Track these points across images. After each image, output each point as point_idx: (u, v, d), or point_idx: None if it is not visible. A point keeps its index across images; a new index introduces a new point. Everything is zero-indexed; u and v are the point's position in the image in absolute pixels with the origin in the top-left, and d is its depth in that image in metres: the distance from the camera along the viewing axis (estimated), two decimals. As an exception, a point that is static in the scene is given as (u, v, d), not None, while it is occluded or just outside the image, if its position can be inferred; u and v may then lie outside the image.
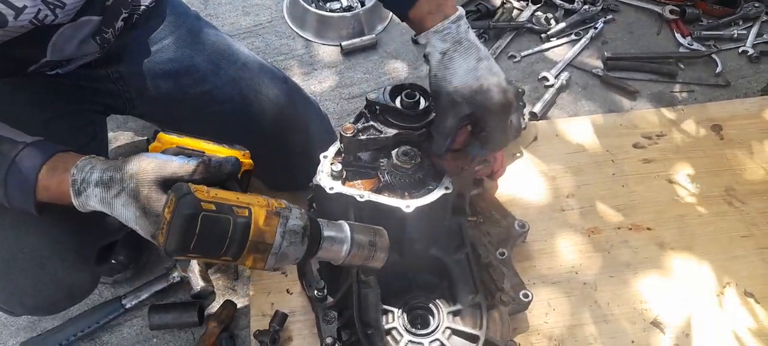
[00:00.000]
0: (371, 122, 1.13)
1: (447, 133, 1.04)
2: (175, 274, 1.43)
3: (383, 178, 1.12)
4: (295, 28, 2.14)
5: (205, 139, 1.04)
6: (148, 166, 0.86)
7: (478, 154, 1.11)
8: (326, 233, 0.91)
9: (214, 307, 1.44)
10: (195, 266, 1.42)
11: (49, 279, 1.09)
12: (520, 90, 1.06)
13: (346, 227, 0.93)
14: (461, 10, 1.02)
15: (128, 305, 1.41)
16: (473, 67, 0.98)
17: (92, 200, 0.87)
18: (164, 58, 1.32)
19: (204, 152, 0.96)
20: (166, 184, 0.86)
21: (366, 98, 1.14)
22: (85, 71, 1.25)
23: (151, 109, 1.39)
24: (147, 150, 0.97)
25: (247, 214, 0.81)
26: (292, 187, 1.40)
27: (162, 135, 1.02)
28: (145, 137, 1.72)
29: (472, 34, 1.01)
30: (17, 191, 0.92)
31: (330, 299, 1.22)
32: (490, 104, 0.98)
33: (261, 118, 1.37)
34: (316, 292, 1.23)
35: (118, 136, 1.78)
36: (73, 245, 1.10)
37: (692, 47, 2.05)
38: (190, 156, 0.90)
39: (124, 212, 0.85)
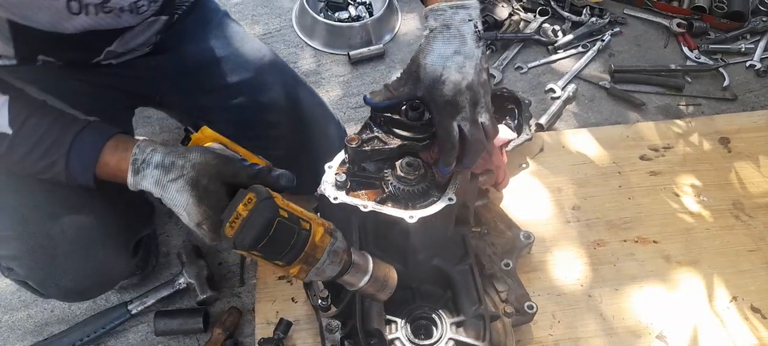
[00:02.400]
0: (376, 133, 1.14)
1: (398, 96, 1.06)
2: (181, 280, 1.44)
3: (387, 188, 1.12)
4: (303, 38, 2.16)
5: (241, 144, 1.08)
6: (213, 161, 0.91)
7: (445, 171, 1.09)
8: (355, 259, 0.97)
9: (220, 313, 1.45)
10: (203, 272, 1.44)
11: (92, 263, 1.13)
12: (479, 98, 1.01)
13: (370, 260, 0.99)
14: (471, 2, 1.01)
15: (134, 311, 1.42)
16: (446, 55, 0.98)
17: (147, 181, 0.92)
18: (197, 49, 1.36)
19: (243, 157, 1.01)
20: (226, 181, 0.91)
21: (372, 109, 1.15)
22: (128, 61, 1.29)
23: (179, 100, 1.42)
24: (188, 139, 1.04)
25: (308, 228, 0.89)
26: (300, 191, 1.41)
27: (206, 128, 1.05)
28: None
29: (467, 27, 1.00)
30: (78, 164, 0.95)
31: (334, 309, 1.23)
32: (437, 96, 0.98)
33: (278, 117, 1.40)
34: (320, 301, 1.24)
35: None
36: (117, 231, 1.15)
37: (699, 61, 2.05)
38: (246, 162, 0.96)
39: (177, 197, 0.90)
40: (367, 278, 0.98)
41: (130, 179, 0.94)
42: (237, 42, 1.42)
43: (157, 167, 0.91)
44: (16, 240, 1.09)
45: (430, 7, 1.03)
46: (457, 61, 0.97)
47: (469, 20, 1.00)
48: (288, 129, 1.40)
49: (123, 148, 0.95)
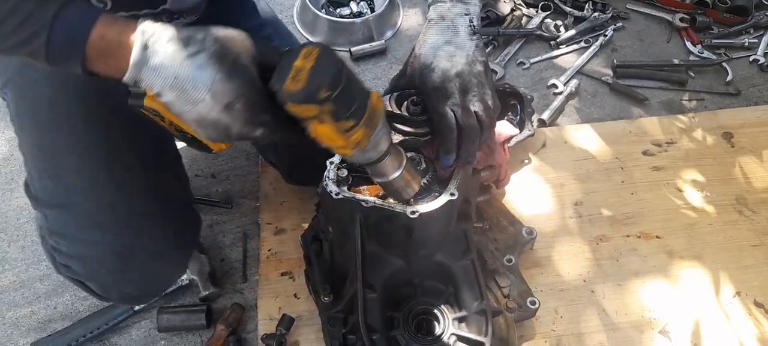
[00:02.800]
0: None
1: (395, 85, 1.07)
2: (184, 277, 1.44)
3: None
4: (305, 34, 2.15)
5: None
6: (240, 36, 0.80)
7: (446, 163, 1.08)
8: (394, 140, 0.95)
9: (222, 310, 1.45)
10: (205, 269, 1.44)
11: (157, 273, 1.14)
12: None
13: (402, 150, 0.98)
14: (472, 1, 1.02)
15: (137, 307, 1.42)
16: (438, 45, 0.99)
17: (157, 58, 0.76)
18: (244, 27, 1.36)
19: None
20: (257, 60, 0.80)
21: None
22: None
23: None
24: None
25: (367, 88, 0.84)
26: (311, 183, 1.42)
27: None
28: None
29: (461, 20, 1.01)
30: (64, 38, 0.78)
31: (336, 305, 1.23)
32: (427, 82, 0.99)
33: None
34: (322, 297, 1.24)
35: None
36: (183, 243, 1.15)
37: (702, 55, 2.04)
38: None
39: (198, 75, 0.75)
40: (401, 170, 0.97)
41: (134, 57, 0.76)
42: (267, 15, 1.41)
43: (172, 41, 0.76)
44: (86, 244, 1.08)
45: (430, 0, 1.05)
46: (447, 50, 0.98)
47: (465, 15, 1.01)
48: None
49: (123, 23, 0.78)
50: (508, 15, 2.18)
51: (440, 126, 1.01)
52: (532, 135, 1.64)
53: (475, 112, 1.00)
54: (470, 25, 1.02)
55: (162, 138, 1.18)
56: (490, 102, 1.02)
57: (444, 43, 0.99)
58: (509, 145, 1.54)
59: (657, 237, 1.49)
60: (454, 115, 1.00)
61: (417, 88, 1.06)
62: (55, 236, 1.10)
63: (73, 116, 1.09)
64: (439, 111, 1.00)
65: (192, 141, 0.91)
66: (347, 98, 0.80)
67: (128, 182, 1.10)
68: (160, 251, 1.10)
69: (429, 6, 1.07)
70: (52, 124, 1.09)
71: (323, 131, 0.82)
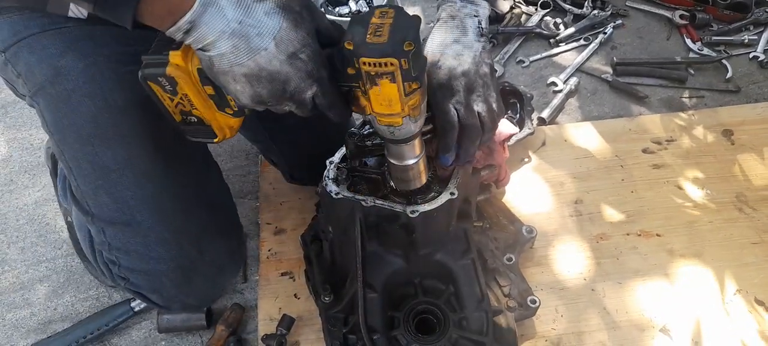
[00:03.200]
0: (377, 128, 1.13)
1: None
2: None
3: (389, 183, 1.12)
4: (304, 34, 2.15)
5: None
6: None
7: (446, 162, 1.08)
8: None
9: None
10: None
11: (219, 282, 1.16)
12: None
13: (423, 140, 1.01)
14: (481, 2, 1.02)
15: (137, 308, 1.42)
16: (446, 43, 0.98)
17: (224, 1, 0.74)
18: None
19: None
20: (317, 25, 0.81)
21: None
22: None
23: None
24: None
25: None
26: (313, 182, 1.42)
27: None
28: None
29: (470, 21, 1.01)
30: None
31: (336, 305, 1.23)
32: (432, 78, 0.98)
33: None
34: (322, 297, 1.24)
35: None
36: (238, 253, 1.17)
37: (702, 52, 2.04)
38: None
39: (265, 21, 0.75)
40: (420, 157, 1.00)
41: (197, 4, 0.73)
42: None
43: None
44: (151, 260, 1.08)
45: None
46: (455, 49, 0.98)
47: (475, 16, 1.01)
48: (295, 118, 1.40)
49: None
50: (507, 13, 2.17)
51: (442, 123, 1.01)
52: (531, 133, 1.64)
53: (478, 112, 1.00)
54: (479, 27, 1.01)
55: (203, 150, 1.19)
56: (494, 104, 1.02)
57: (452, 41, 0.98)
58: (509, 143, 1.54)
59: (657, 235, 1.49)
60: (457, 113, 0.99)
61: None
62: (116, 251, 1.10)
63: (121, 131, 1.07)
64: (442, 108, 0.99)
65: (196, 125, 0.90)
66: (420, 58, 0.82)
67: (186, 197, 1.11)
68: (221, 263, 1.12)
69: (438, 6, 1.06)
70: (99, 139, 1.06)
71: (390, 91, 0.82)
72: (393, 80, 0.80)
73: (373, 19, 0.79)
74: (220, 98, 0.89)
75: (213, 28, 0.75)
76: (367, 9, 2.16)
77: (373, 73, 0.80)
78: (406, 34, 0.77)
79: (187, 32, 0.76)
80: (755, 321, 1.34)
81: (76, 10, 1.03)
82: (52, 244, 1.60)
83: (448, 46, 0.98)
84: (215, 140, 0.94)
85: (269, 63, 0.77)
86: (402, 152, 0.98)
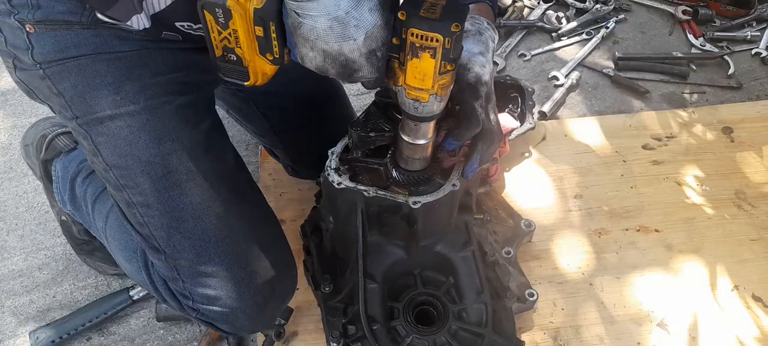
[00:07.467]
0: (379, 119, 1.13)
1: None
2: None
3: (391, 173, 1.12)
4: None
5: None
6: None
7: (450, 147, 1.09)
8: None
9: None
10: None
11: (282, 307, 1.20)
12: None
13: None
14: (494, 30, 1.06)
15: (136, 296, 1.42)
16: (474, 52, 1.01)
17: None
18: None
19: None
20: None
21: (375, 95, 1.15)
22: None
23: None
24: None
25: None
26: (313, 177, 1.42)
27: None
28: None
29: (491, 43, 1.05)
30: None
31: (336, 295, 1.23)
32: (462, 79, 1.00)
33: (313, 97, 1.39)
34: (322, 287, 1.24)
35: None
36: (295, 279, 1.19)
37: (704, 48, 2.04)
38: None
39: (367, 17, 0.79)
40: (432, 138, 1.03)
41: None
42: None
43: None
44: (227, 300, 1.08)
45: (471, 13, 1.06)
46: (480, 60, 1.01)
47: (492, 40, 1.05)
48: (295, 106, 1.40)
49: None
50: (509, 6, 2.17)
51: (469, 116, 1.02)
52: (532, 128, 1.63)
53: (492, 119, 1.04)
54: (493, 48, 1.06)
55: (252, 183, 1.21)
56: (499, 119, 1.07)
57: (479, 52, 1.01)
58: (510, 137, 1.54)
59: (656, 231, 1.49)
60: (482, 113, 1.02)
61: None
62: (191, 287, 1.10)
63: (193, 174, 1.06)
64: (470, 104, 1.02)
65: (234, 63, 0.92)
66: (459, 44, 0.85)
67: (257, 237, 1.11)
68: (286, 294, 1.17)
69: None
70: (171, 182, 1.05)
71: (427, 66, 0.85)
72: (433, 56, 0.83)
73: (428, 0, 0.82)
74: (266, 42, 0.89)
75: (323, 5, 0.77)
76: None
77: (417, 45, 0.83)
78: (457, 17, 0.81)
79: None
80: (752, 317, 1.35)
81: (136, 21, 1.00)
82: (51, 232, 1.60)
83: (475, 55, 1.01)
84: (246, 83, 0.94)
85: (351, 52, 0.81)
86: (418, 130, 1.01)
